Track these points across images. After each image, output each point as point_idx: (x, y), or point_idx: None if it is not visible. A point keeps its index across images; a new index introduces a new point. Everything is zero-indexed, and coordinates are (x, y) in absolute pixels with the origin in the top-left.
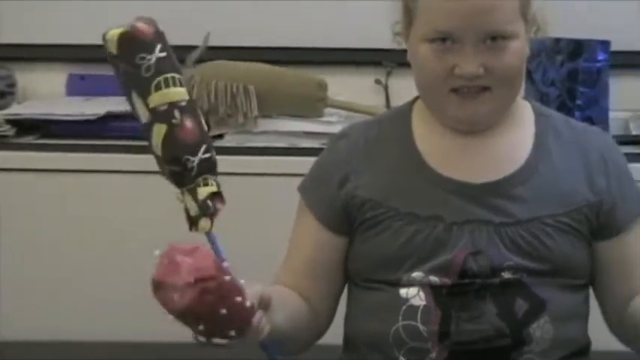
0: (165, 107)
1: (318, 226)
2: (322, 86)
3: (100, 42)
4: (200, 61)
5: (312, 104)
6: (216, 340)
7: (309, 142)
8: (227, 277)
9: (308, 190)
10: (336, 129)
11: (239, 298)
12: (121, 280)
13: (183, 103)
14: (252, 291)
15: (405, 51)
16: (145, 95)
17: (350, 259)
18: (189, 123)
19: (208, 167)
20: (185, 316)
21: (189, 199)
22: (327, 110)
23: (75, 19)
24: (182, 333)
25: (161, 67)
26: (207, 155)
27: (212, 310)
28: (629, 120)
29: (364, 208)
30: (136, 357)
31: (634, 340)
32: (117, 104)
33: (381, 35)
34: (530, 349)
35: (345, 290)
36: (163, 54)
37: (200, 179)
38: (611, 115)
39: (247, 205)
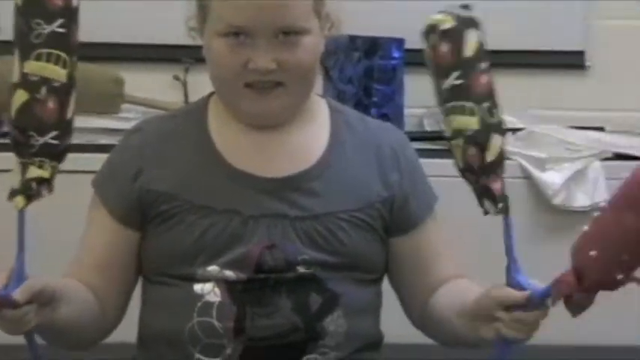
0: (36, 79)
1: (111, 220)
2: (119, 82)
3: None
4: None
5: (109, 100)
6: None
7: (107, 139)
8: None
9: (101, 184)
10: None
11: None
12: None
13: (57, 84)
14: (25, 286)
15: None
16: (23, 58)
17: (143, 254)
18: (52, 104)
19: (51, 153)
20: None
21: (19, 171)
22: (125, 107)
23: None
24: None
25: (52, 41)
26: (54, 142)
27: None
28: (424, 116)
29: (158, 202)
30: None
31: (436, 333)
32: None
33: (179, 31)
34: (325, 342)
35: (139, 287)
36: (62, 30)
37: (37, 160)
38: (406, 111)
39: (42, 202)
